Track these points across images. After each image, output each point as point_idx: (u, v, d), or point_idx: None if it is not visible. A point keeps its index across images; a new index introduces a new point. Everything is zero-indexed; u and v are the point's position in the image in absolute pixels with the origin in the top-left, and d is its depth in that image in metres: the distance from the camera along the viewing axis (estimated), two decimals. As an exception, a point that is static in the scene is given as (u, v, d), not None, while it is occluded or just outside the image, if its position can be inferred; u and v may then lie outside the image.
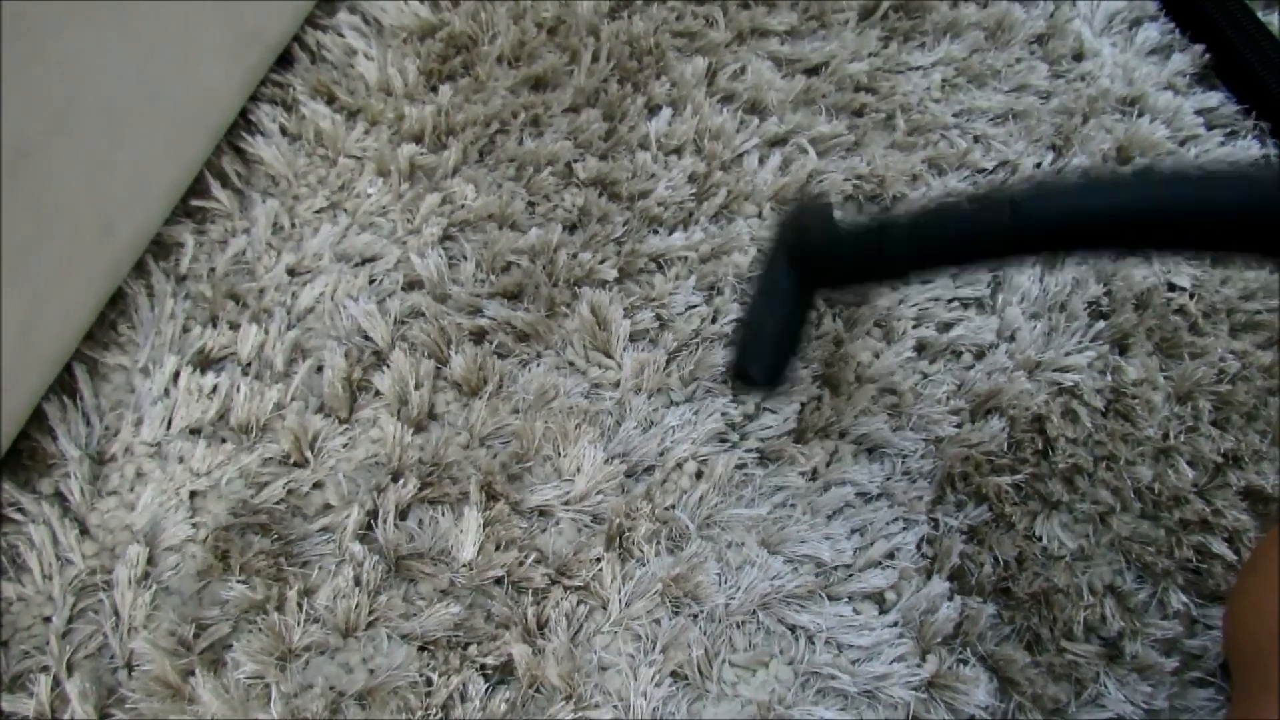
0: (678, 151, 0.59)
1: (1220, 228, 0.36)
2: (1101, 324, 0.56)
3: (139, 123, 0.47)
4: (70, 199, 0.44)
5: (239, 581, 0.44)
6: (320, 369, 0.50)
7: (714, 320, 0.54)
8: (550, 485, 0.48)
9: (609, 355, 0.52)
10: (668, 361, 0.52)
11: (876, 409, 0.52)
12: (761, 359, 0.42)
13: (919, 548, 0.49)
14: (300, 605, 0.44)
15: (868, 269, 0.42)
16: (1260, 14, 0.67)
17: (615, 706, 0.43)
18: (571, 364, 0.52)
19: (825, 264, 0.42)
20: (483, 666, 0.44)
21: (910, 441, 0.51)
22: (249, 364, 0.50)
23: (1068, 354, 0.55)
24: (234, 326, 0.51)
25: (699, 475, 0.49)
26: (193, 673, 0.42)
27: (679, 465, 0.49)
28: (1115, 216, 0.36)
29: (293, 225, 0.54)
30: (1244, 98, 0.66)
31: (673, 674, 0.44)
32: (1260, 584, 0.39)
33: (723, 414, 0.51)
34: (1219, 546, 0.50)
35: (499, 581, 0.45)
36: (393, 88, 0.58)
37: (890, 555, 0.48)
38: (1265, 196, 0.35)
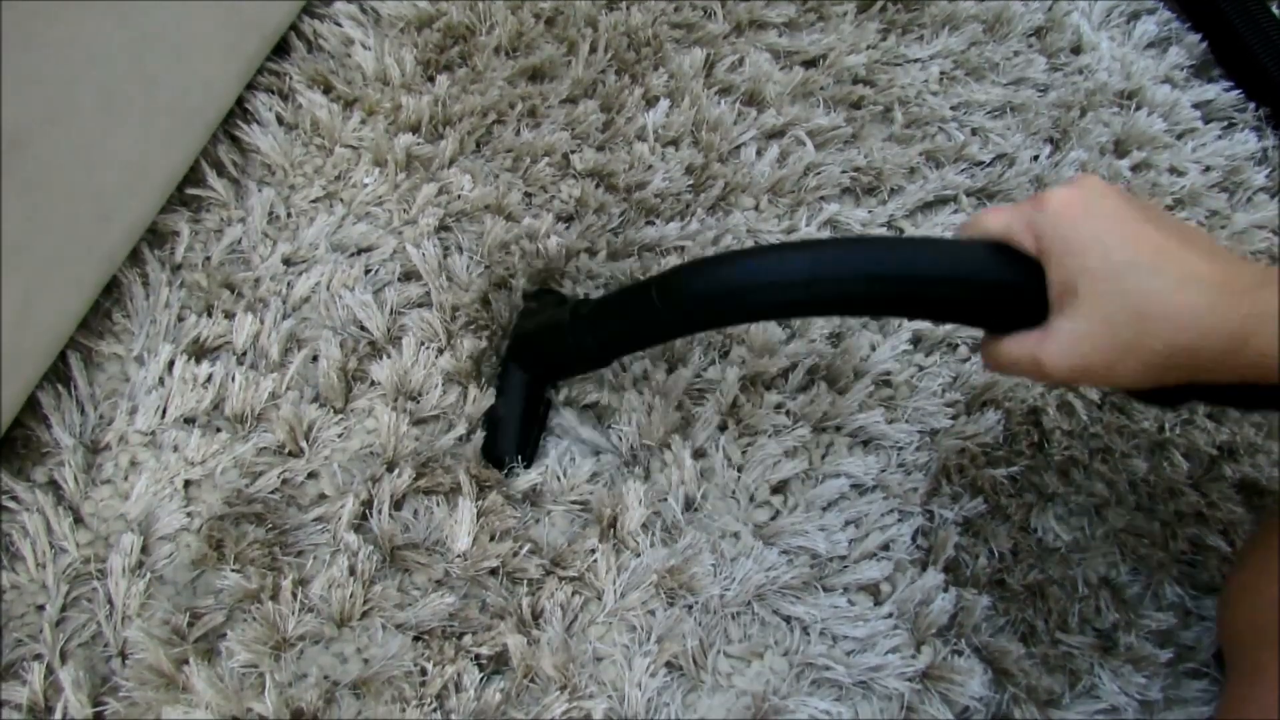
0: (675, 143, 0.59)
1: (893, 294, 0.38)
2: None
3: (135, 111, 0.47)
4: (66, 187, 0.44)
5: (233, 571, 0.44)
6: (316, 359, 0.50)
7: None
8: (536, 471, 0.48)
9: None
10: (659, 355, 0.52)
11: (872, 402, 0.52)
12: (508, 449, 0.48)
13: (914, 540, 0.49)
14: (295, 595, 0.43)
15: (570, 364, 0.48)
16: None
17: (610, 697, 0.43)
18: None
19: (540, 364, 0.49)
20: (477, 656, 0.44)
21: (906, 434, 0.51)
22: (244, 353, 0.50)
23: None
24: (229, 316, 0.50)
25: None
26: (186, 662, 0.42)
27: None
28: (776, 286, 0.38)
29: (289, 215, 0.54)
30: (1244, 83, 0.66)
31: (667, 665, 0.44)
32: (1255, 572, 0.39)
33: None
34: (1214, 539, 0.50)
35: (494, 572, 0.45)
36: (390, 78, 0.58)
37: (885, 547, 0.48)
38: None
